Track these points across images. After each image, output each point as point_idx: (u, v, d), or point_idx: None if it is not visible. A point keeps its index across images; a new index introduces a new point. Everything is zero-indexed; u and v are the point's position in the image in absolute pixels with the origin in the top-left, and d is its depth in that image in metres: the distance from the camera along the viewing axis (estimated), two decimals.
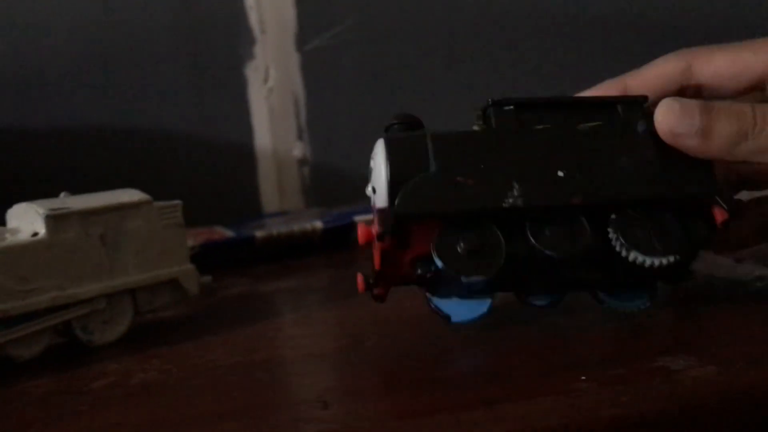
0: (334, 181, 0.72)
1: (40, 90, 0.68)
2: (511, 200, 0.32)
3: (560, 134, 0.33)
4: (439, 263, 0.31)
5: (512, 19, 0.73)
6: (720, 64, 0.35)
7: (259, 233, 0.56)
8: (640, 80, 0.37)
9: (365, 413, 0.28)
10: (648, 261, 0.32)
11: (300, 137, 0.72)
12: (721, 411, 0.27)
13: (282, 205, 0.72)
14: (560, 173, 0.32)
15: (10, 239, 0.36)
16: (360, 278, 0.34)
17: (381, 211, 0.32)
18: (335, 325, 0.40)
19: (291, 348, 0.37)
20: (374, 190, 0.33)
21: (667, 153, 0.33)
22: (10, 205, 0.38)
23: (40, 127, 0.68)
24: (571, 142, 0.33)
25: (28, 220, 0.37)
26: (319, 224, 0.58)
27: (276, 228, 0.57)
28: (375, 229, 0.32)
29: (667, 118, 0.33)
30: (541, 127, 0.34)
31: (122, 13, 0.68)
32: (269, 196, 0.72)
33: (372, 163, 0.33)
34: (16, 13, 0.67)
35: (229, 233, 0.58)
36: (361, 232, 0.33)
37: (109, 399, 0.31)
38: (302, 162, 0.72)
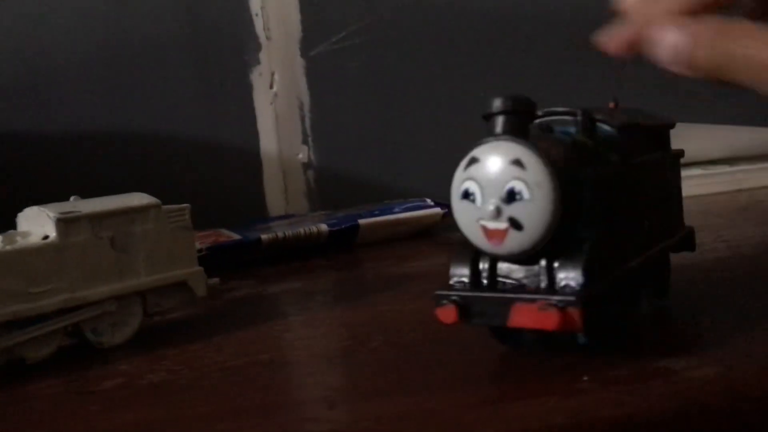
0: (338, 185, 0.72)
1: (50, 95, 0.68)
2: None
3: (651, 173, 0.33)
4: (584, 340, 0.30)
5: (516, 24, 0.73)
6: None
7: (264, 236, 0.57)
8: None
9: (369, 413, 0.28)
10: None
11: (305, 141, 0.73)
12: (722, 411, 0.27)
13: (287, 208, 0.72)
14: (647, 223, 0.33)
15: (21, 242, 0.36)
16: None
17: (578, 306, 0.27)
18: (340, 326, 0.40)
19: (297, 349, 0.37)
20: (514, 223, 0.28)
21: None
22: (20, 209, 0.39)
23: (50, 132, 0.68)
24: (654, 182, 0.34)
25: (38, 224, 0.37)
26: (324, 227, 0.58)
27: (281, 231, 0.58)
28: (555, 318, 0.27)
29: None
30: (639, 161, 0.33)
31: (130, 21, 0.69)
32: (275, 199, 0.72)
33: (515, 178, 0.27)
34: (26, 21, 0.68)
35: (235, 236, 0.58)
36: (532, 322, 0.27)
37: (119, 399, 0.32)
38: (307, 166, 0.73)
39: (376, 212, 0.61)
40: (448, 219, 0.59)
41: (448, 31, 0.73)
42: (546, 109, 0.32)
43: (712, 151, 0.71)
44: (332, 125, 0.72)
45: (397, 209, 0.62)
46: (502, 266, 0.29)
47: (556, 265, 0.28)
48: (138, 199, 0.40)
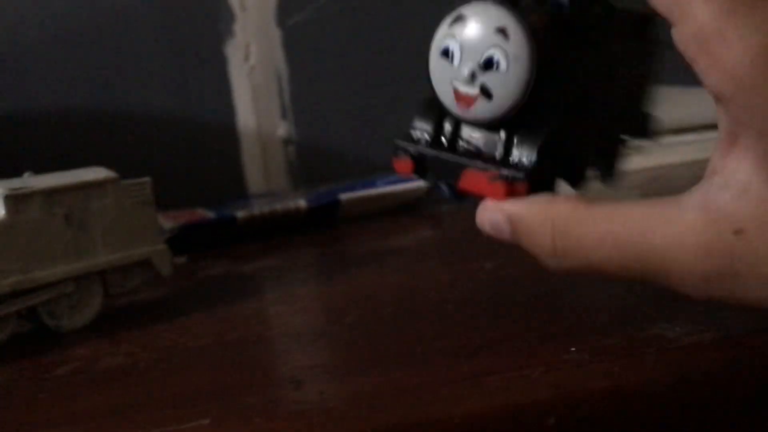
0: (321, 160, 0.70)
1: (15, 69, 0.66)
2: None
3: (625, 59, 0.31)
4: None
5: None
6: None
7: (240, 213, 0.54)
8: None
9: (339, 392, 0.26)
10: None
11: (284, 116, 0.70)
12: (720, 380, 0.26)
13: (268, 185, 0.70)
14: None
15: None
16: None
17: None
18: (315, 302, 0.38)
19: (267, 327, 0.35)
20: (485, 91, 0.27)
21: None
22: None
23: (15, 109, 0.66)
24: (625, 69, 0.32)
25: None
26: (302, 203, 0.56)
27: (258, 208, 0.55)
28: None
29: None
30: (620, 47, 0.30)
31: None
32: (254, 177, 0.70)
33: (497, 47, 0.26)
34: None
35: (210, 214, 0.56)
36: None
37: (71, 386, 0.30)
38: (287, 141, 0.70)
39: (358, 187, 0.59)
40: (431, 193, 0.57)
41: None
42: None
43: (707, 116, 0.69)
44: (313, 98, 0.70)
45: (379, 183, 0.59)
46: (465, 129, 0.29)
47: (515, 139, 0.28)
48: (94, 173, 0.37)
